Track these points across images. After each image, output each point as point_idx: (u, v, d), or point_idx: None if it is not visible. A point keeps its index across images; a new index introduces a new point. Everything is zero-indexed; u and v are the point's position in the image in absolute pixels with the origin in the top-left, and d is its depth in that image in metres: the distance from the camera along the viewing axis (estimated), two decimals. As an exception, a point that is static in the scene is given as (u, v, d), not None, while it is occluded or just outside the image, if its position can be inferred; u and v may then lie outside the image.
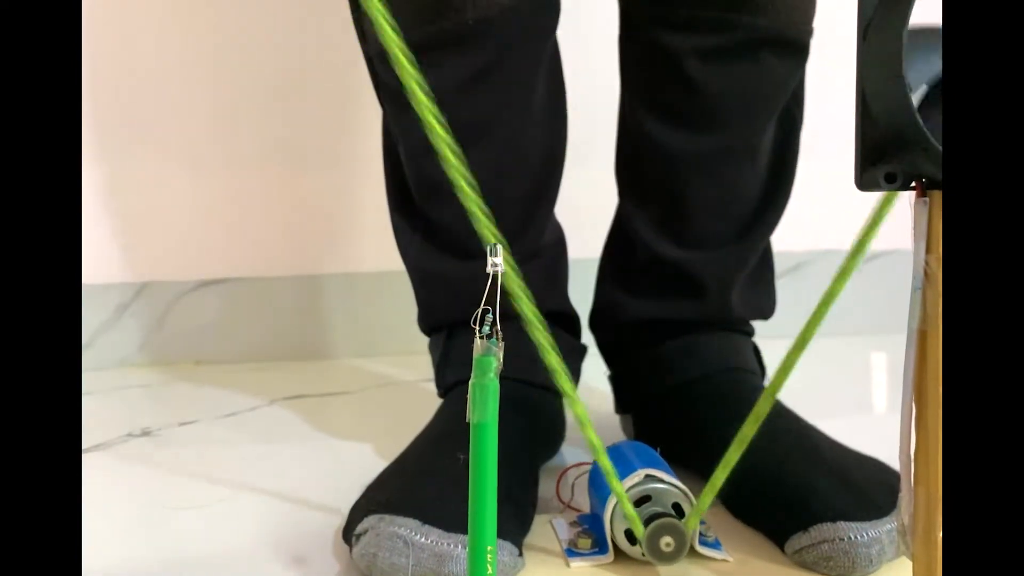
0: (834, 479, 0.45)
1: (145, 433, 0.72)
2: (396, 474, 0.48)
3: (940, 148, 0.29)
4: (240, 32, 0.94)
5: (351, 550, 0.43)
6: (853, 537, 0.41)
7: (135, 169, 0.97)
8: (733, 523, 0.48)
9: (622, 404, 0.63)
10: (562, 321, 0.61)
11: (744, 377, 0.55)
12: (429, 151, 0.56)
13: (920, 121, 0.29)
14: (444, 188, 0.56)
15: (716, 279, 0.57)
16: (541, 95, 0.56)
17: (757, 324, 0.62)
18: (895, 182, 0.31)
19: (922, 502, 0.33)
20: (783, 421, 0.51)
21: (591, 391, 0.64)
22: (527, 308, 0.35)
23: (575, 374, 0.62)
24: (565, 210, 0.63)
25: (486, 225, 0.34)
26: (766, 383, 0.61)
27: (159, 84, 0.95)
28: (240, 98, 0.95)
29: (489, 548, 0.29)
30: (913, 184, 0.32)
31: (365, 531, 0.43)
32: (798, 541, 0.43)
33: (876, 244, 0.36)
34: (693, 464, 0.52)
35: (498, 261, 0.29)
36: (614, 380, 0.63)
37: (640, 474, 0.42)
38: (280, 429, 0.73)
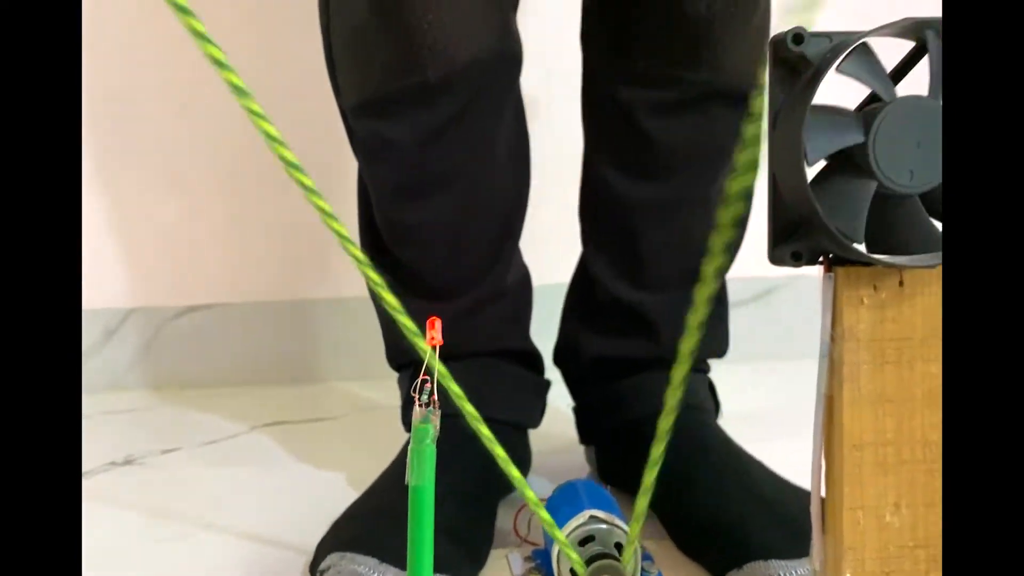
0: (770, 515, 0.47)
1: (128, 461, 0.75)
2: (359, 511, 0.51)
3: (836, 231, 0.32)
4: (231, 60, 0.97)
5: (316, 585, 0.46)
6: (783, 575, 0.44)
7: (124, 196, 0.99)
8: (679, 558, 0.51)
9: (583, 436, 0.65)
10: (525, 359, 0.63)
11: (693, 415, 0.58)
12: (395, 198, 0.59)
13: (819, 208, 0.31)
14: (410, 232, 0.59)
15: (669, 321, 0.60)
16: (505, 143, 0.59)
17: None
18: (801, 260, 0.33)
19: (830, 551, 0.36)
20: (725, 455, 0.54)
21: (568, 419, 0.67)
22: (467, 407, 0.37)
23: (541, 409, 0.65)
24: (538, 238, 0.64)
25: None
26: (720, 419, 0.64)
27: (149, 112, 0.98)
28: (228, 125, 0.98)
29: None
30: (821, 259, 0.34)
31: (327, 568, 0.45)
32: (733, 578, 0.45)
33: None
34: (654, 502, 0.55)
35: (436, 334, 0.32)
36: (577, 412, 0.66)
37: (585, 515, 0.45)
38: (259, 458, 0.75)
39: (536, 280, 0.67)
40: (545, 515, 0.37)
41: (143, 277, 1.01)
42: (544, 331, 0.69)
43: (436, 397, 0.31)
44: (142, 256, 1.01)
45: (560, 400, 0.68)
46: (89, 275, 0.99)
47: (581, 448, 0.68)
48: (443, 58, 0.52)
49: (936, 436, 0.35)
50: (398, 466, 0.56)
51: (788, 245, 0.34)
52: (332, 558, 0.45)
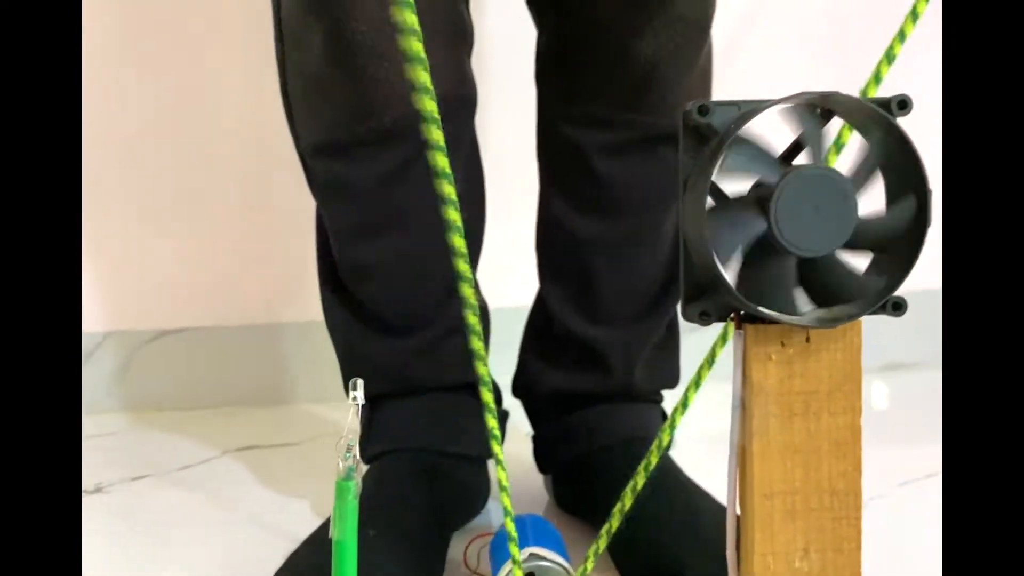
0: (709, 551, 0.49)
1: (98, 489, 0.76)
2: (309, 547, 0.52)
3: (741, 296, 0.33)
4: (204, 94, 0.98)
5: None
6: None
7: (98, 222, 1.01)
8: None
9: (541, 465, 0.67)
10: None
11: (641, 448, 0.59)
12: (353, 237, 0.60)
13: (723, 274, 0.33)
14: (367, 270, 0.61)
15: (621, 356, 0.61)
16: (459, 184, 0.61)
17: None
18: (709, 318, 0.35)
19: (744, 595, 0.37)
20: (674, 491, 0.56)
21: (530, 444, 0.69)
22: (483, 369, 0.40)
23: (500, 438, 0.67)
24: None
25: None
26: (673, 449, 0.65)
27: (123, 141, 0.99)
28: (201, 154, 1.00)
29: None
30: (732, 316, 0.36)
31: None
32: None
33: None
34: (598, 530, 0.57)
35: (359, 395, 0.34)
36: (535, 442, 0.68)
37: (525, 552, 0.46)
38: (227, 486, 0.76)
39: (496, 304, 0.68)
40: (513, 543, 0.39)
41: (117, 301, 1.02)
42: (505, 355, 0.70)
43: (357, 453, 0.33)
44: (116, 281, 1.02)
45: (525, 425, 0.70)
46: (65, 300, 1.00)
47: (541, 479, 0.69)
48: (400, 104, 0.54)
49: (842, 484, 0.36)
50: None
51: (698, 304, 0.35)
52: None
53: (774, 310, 0.33)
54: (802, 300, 0.34)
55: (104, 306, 1.02)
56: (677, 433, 0.68)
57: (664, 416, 0.66)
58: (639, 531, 0.53)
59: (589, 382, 0.62)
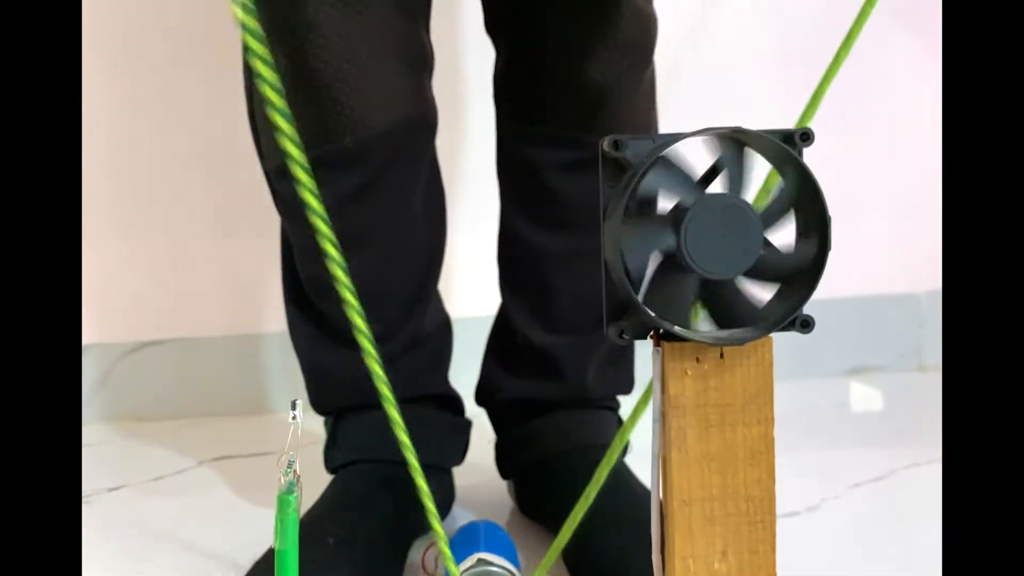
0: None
1: (75, 499, 0.78)
2: (258, 568, 0.54)
3: (651, 313, 0.36)
4: (180, 104, 1.01)
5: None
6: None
7: (79, 238, 1.03)
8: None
9: (503, 471, 0.69)
10: (446, 403, 0.67)
11: (596, 454, 0.62)
12: (316, 256, 0.63)
13: (635, 296, 0.35)
14: (329, 287, 0.63)
15: (576, 364, 0.64)
16: (421, 202, 0.63)
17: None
18: (627, 337, 0.37)
19: (667, 596, 0.40)
20: (627, 498, 0.58)
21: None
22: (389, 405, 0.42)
23: (462, 448, 0.69)
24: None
25: (358, 312, 0.41)
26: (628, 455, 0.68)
27: (101, 153, 1.01)
28: (178, 166, 1.02)
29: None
30: (651, 334, 0.39)
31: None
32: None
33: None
34: (556, 534, 0.59)
35: (298, 414, 0.36)
36: (496, 449, 0.70)
37: (474, 558, 0.49)
38: (201, 495, 0.78)
39: (464, 313, 0.70)
40: (446, 550, 0.41)
41: (97, 313, 1.04)
42: (472, 361, 0.73)
43: (297, 470, 0.35)
44: (95, 293, 1.04)
45: (489, 432, 0.72)
46: (45, 313, 1.02)
47: (503, 484, 0.72)
48: (361, 126, 0.56)
49: (757, 491, 0.39)
50: (312, 512, 0.59)
51: (618, 324, 0.38)
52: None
53: (679, 326, 0.36)
54: (706, 323, 0.37)
55: (84, 318, 1.04)
56: (634, 439, 0.71)
57: (620, 422, 0.68)
58: (590, 536, 0.55)
59: (546, 389, 0.64)
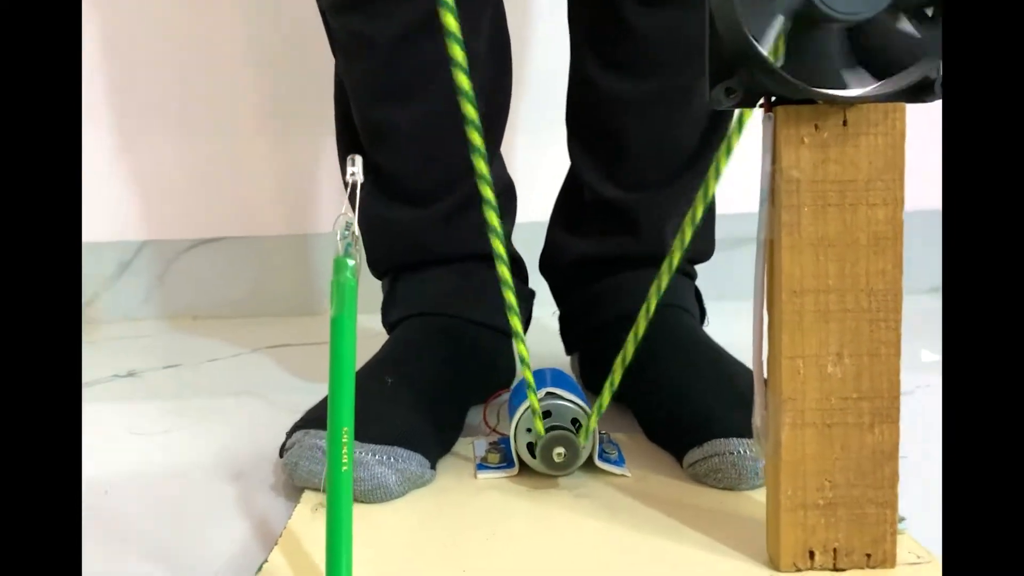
0: (735, 400, 0.47)
1: (131, 374, 0.77)
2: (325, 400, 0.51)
3: (777, 68, 0.30)
4: (234, 3, 0.98)
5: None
6: (742, 451, 0.43)
7: (135, 134, 1.01)
8: (647, 446, 0.51)
9: (568, 344, 0.65)
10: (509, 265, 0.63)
11: (673, 312, 0.57)
12: (374, 98, 0.59)
13: (752, 40, 0.30)
14: (388, 134, 0.59)
15: (650, 218, 0.59)
16: (484, 44, 0.58)
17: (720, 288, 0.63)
18: (734, 94, 0.32)
19: (770, 404, 0.35)
20: (695, 349, 0.53)
21: (555, 334, 0.67)
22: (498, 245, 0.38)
23: (526, 317, 0.65)
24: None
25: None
26: (707, 326, 0.63)
27: (156, 54, 0.99)
28: (233, 65, 0.99)
29: (344, 429, 0.31)
30: (762, 102, 0.33)
31: (292, 444, 0.46)
32: (693, 455, 0.45)
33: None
34: (626, 395, 0.54)
35: (356, 170, 0.32)
36: (561, 320, 0.65)
37: (542, 392, 0.45)
38: (256, 373, 0.76)
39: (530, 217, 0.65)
40: (528, 376, 0.37)
41: (155, 211, 1.03)
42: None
43: (356, 229, 0.31)
44: (153, 190, 1.02)
45: (550, 319, 0.68)
46: (102, 209, 1.01)
47: (567, 360, 0.67)
48: None
49: (881, 284, 0.33)
50: (373, 358, 0.56)
51: (724, 83, 0.33)
52: (296, 435, 0.46)
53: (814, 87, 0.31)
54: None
55: (141, 216, 1.03)
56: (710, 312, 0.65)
57: (698, 294, 0.63)
58: (662, 386, 0.51)
59: (617, 246, 0.60)
